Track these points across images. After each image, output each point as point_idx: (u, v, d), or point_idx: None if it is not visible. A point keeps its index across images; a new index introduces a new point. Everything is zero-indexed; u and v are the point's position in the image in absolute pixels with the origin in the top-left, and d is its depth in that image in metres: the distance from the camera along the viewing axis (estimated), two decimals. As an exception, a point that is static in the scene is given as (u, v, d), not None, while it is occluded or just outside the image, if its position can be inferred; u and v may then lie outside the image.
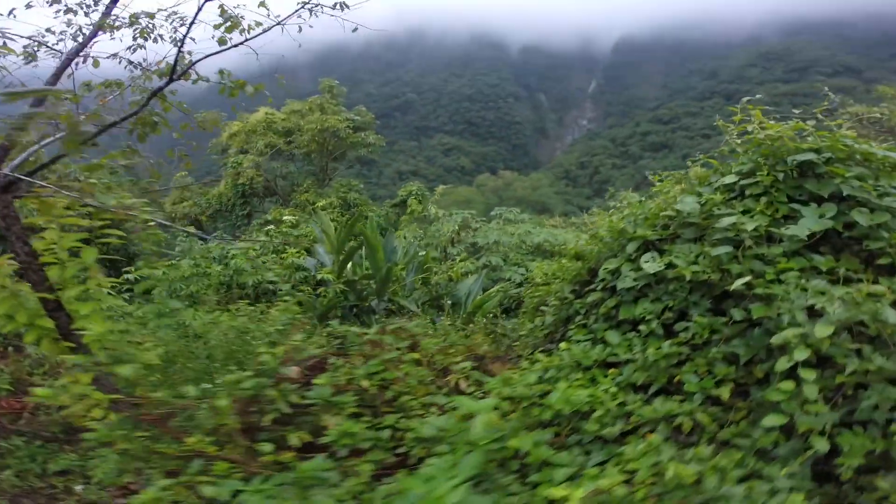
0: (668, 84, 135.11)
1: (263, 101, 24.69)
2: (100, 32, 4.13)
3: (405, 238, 12.76)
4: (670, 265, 2.82)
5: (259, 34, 4.17)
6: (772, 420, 1.73)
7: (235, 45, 4.13)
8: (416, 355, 2.96)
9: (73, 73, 3.99)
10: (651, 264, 2.85)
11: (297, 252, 9.68)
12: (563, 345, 2.87)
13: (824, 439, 1.66)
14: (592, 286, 3.30)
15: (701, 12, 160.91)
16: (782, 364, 1.85)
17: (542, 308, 4.03)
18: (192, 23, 3.92)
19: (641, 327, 2.72)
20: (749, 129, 3.37)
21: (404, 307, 7.57)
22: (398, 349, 3.00)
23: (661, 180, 3.86)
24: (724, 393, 2.09)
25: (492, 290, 8.29)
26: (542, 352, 3.23)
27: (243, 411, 2.60)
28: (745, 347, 2.21)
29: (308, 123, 21.92)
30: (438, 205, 18.53)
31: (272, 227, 12.16)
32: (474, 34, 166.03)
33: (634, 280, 2.91)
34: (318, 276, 8.28)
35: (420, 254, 9.09)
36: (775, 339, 1.93)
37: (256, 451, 2.30)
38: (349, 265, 7.89)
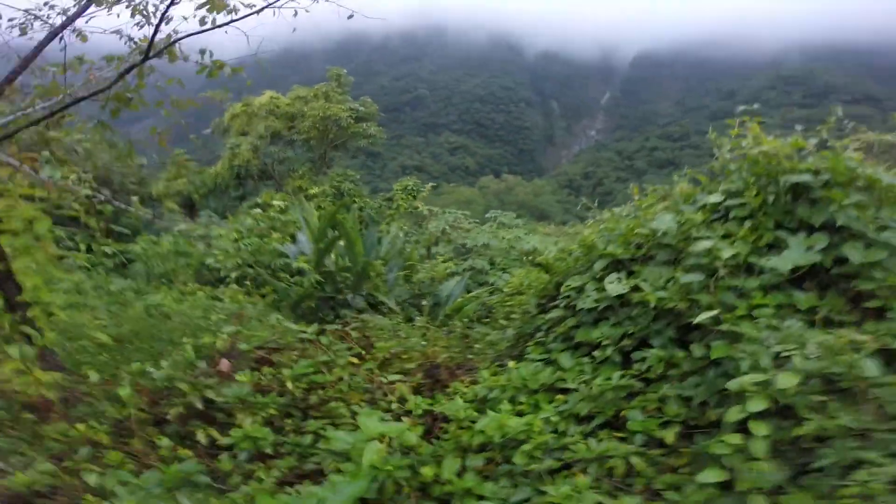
0: (684, 101, 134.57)
1: (271, 85, 24.52)
2: (93, 7, 4.02)
3: (390, 233, 12.55)
4: (636, 288, 2.59)
5: (245, 16, 4.03)
6: (709, 476, 1.51)
7: (219, 26, 4.00)
8: (354, 360, 2.74)
9: (65, 46, 3.89)
10: (615, 286, 2.62)
11: (282, 238, 9.47)
12: (511, 363, 2.64)
13: (764, 498, 1.44)
14: (556, 302, 3.08)
15: (724, 33, 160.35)
16: (734, 414, 1.62)
17: (503, 321, 3.81)
18: (171, 2, 3.80)
19: (597, 353, 2.49)
20: (743, 143, 3.11)
21: (383, 303, 7.36)
22: (337, 351, 2.78)
23: (641, 195, 3.61)
24: (669, 436, 1.86)
25: (472, 293, 8.06)
26: (499, 366, 3.00)
27: (153, 402, 2.41)
28: (700, 389, 1.98)
29: (311, 110, 21.68)
30: (428, 203, 18.28)
31: (260, 210, 11.91)
32: (493, 36, 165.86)
33: (596, 301, 2.68)
34: (296, 265, 8.08)
35: (406, 250, 8.88)
36: (731, 385, 1.71)
37: (157, 444, 2.15)
38: (332, 256, 7.68)
